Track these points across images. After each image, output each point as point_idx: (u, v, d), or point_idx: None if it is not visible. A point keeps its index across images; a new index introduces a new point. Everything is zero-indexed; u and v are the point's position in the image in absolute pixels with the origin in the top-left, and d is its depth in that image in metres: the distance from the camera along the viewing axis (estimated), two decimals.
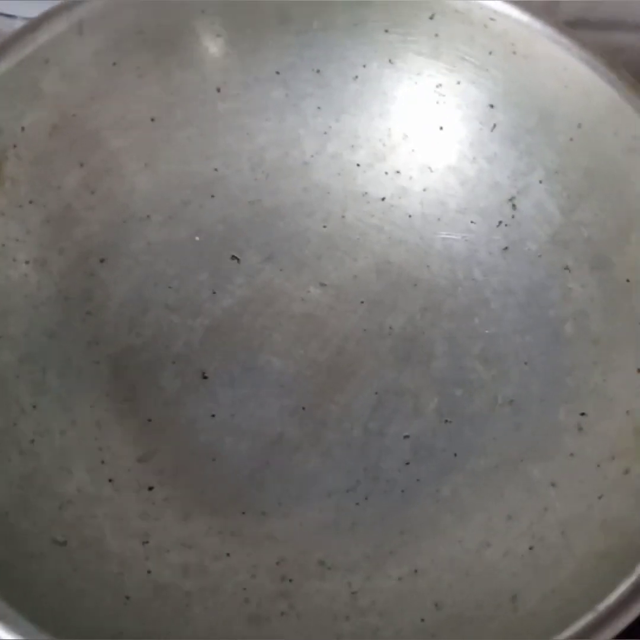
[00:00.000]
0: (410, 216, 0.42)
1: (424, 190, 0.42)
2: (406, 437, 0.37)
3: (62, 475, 0.34)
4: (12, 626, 0.27)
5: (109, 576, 0.31)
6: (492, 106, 0.40)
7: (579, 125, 0.38)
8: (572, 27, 0.50)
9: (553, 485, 0.34)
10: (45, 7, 0.50)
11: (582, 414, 0.35)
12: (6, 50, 0.35)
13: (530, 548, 0.32)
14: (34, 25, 0.36)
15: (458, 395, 0.38)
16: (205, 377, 0.39)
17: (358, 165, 0.43)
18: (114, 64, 0.39)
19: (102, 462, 0.35)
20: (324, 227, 0.42)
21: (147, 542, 0.33)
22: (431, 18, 0.39)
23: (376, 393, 0.38)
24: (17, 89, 0.36)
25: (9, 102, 0.36)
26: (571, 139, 0.38)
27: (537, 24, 0.37)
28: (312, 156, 0.43)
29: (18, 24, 0.52)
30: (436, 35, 0.40)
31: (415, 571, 0.33)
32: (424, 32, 0.40)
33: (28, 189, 0.37)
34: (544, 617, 0.29)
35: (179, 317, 0.40)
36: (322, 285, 0.41)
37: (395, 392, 0.38)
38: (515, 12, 0.37)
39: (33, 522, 0.31)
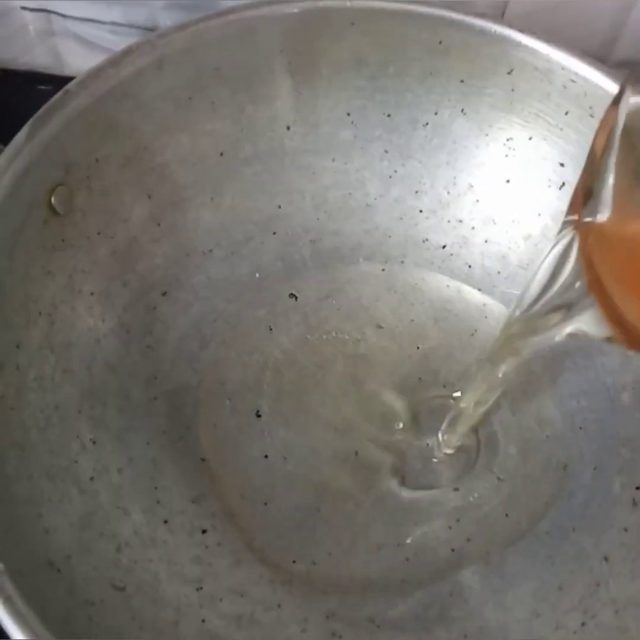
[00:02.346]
0: (469, 266, 0.42)
1: (486, 241, 0.42)
2: (456, 489, 0.37)
3: (119, 515, 0.34)
4: None
5: (165, 625, 0.32)
6: (562, 165, 0.40)
7: None
8: (626, 67, 0.50)
9: (605, 559, 0.34)
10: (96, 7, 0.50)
11: (638, 488, 0.35)
12: (87, 85, 0.35)
13: (583, 624, 0.32)
14: (115, 60, 0.36)
15: (511, 453, 0.38)
16: (259, 416, 0.39)
17: (421, 211, 0.43)
18: (189, 98, 0.39)
19: (158, 502, 0.35)
20: (383, 270, 0.42)
21: (200, 588, 0.33)
22: (509, 73, 0.39)
23: (428, 444, 0.38)
24: (95, 122, 0.36)
25: (86, 134, 0.36)
26: None
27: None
28: (375, 199, 0.43)
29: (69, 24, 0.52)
30: (512, 90, 0.39)
31: (465, 637, 0.33)
32: (500, 85, 0.40)
33: (97, 220, 0.37)
34: None
35: (236, 353, 0.40)
36: (379, 327, 0.41)
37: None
38: (597, 77, 0.37)
39: (93, 566, 0.32)
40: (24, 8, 0.53)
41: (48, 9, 0.53)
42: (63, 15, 0.53)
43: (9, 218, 0.32)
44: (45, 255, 0.35)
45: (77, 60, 0.56)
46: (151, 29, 0.53)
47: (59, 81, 0.54)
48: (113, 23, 0.52)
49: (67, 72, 0.56)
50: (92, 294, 0.37)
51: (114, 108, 0.36)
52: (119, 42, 0.53)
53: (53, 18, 0.54)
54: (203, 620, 0.33)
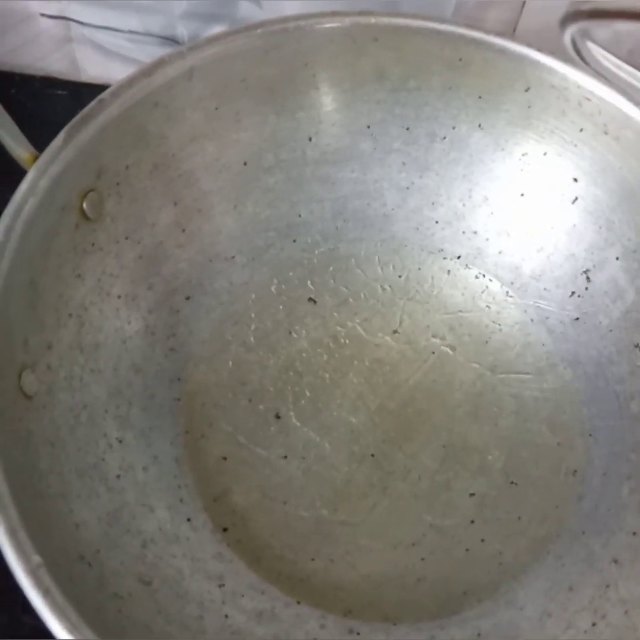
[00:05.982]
0: (484, 276, 0.43)
1: (500, 252, 0.43)
2: (472, 494, 0.38)
3: (144, 512, 0.35)
4: None
5: (190, 620, 0.33)
6: (575, 180, 0.41)
7: None
8: None
9: (615, 562, 0.35)
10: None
11: None
12: (120, 94, 0.36)
13: (593, 624, 0.33)
14: (148, 70, 0.37)
15: (524, 457, 0.39)
16: (278, 417, 0.40)
17: (437, 222, 0.44)
18: (216, 108, 0.40)
19: (181, 500, 0.36)
20: (399, 276, 0.44)
21: (222, 584, 0.35)
22: (526, 90, 0.40)
23: (444, 446, 0.40)
24: (127, 130, 0.37)
25: (118, 142, 0.37)
26: None
27: (633, 110, 0.38)
28: (392, 209, 0.44)
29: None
30: (529, 106, 0.41)
31: (479, 635, 0.34)
32: (517, 102, 0.41)
33: (125, 225, 0.38)
34: None
35: (256, 355, 0.41)
36: (395, 332, 0.43)
37: (462, 447, 0.40)
38: (611, 95, 0.38)
39: (120, 561, 0.33)
40: (43, 15, 0.54)
41: (67, 16, 0.54)
42: (81, 23, 0.54)
43: (45, 220, 0.33)
44: (76, 258, 0.36)
45: (93, 67, 0.57)
46: (168, 38, 0.54)
47: (74, 87, 0.55)
48: (131, 31, 0.53)
49: (83, 78, 0.57)
50: (119, 296, 0.38)
51: (145, 117, 0.37)
52: (136, 50, 0.54)
53: (71, 25, 0.55)
54: (226, 616, 0.34)
